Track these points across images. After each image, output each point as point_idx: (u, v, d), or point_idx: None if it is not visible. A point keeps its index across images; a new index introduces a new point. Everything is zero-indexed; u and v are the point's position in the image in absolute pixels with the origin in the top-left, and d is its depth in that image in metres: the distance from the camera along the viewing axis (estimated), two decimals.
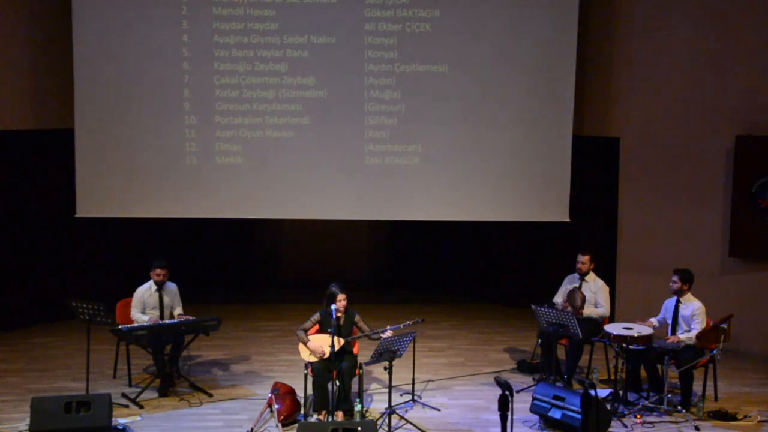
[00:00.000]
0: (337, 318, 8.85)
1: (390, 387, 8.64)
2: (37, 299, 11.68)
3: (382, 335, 8.75)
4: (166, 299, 9.64)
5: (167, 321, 9.47)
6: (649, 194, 11.36)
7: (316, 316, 9.00)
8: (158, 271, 9.58)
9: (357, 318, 8.98)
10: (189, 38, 11.00)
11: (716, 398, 9.41)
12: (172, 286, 9.74)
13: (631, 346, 8.97)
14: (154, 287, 9.62)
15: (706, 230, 11.08)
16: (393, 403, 8.72)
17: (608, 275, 10.74)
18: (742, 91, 10.80)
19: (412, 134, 11.20)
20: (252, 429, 8.55)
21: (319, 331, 9.03)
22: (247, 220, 12.11)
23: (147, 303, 9.60)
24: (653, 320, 9.42)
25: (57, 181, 11.54)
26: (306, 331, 8.93)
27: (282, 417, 8.65)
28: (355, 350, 9.08)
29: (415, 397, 9.35)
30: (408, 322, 8.92)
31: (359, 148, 11.20)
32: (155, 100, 11.07)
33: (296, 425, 8.33)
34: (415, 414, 9.01)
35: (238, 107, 11.14)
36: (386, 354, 8.54)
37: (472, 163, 11.21)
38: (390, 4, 10.99)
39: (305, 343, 8.86)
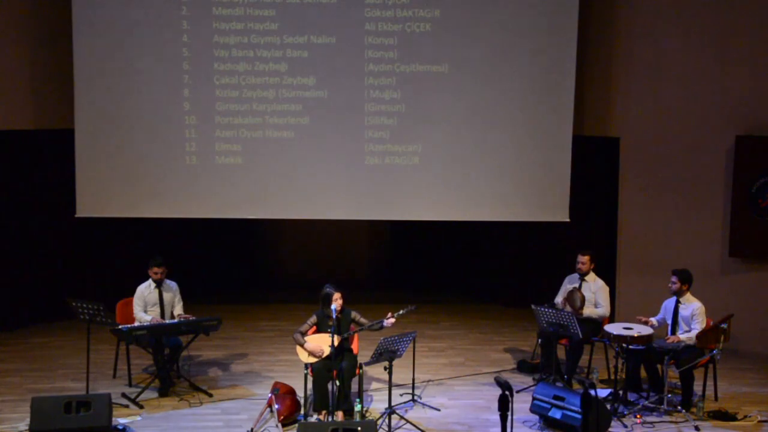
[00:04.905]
0: (337, 318, 8.85)
1: (390, 387, 8.64)
2: (37, 299, 11.68)
3: (384, 323, 8.75)
4: (166, 296, 9.66)
5: (168, 321, 9.49)
6: (649, 194, 11.36)
7: (313, 319, 9.00)
8: (155, 269, 9.60)
9: (354, 315, 9.00)
10: (189, 38, 11.00)
11: (716, 398, 9.41)
12: (172, 284, 9.75)
13: (631, 346, 8.97)
14: (153, 285, 9.64)
15: (706, 230, 11.08)
16: (393, 403, 8.72)
17: (608, 275, 10.75)
18: (742, 91, 10.81)
19: (412, 134, 11.20)
20: (252, 429, 8.55)
21: (317, 332, 9.02)
22: (246, 220, 12.11)
23: (147, 300, 9.63)
24: (653, 319, 9.42)
25: (57, 181, 11.54)
26: (303, 333, 8.93)
27: (282, 417, 8.65)
28: (355, 350, 9.09)
29: (415, 397, 9.35)
30: (401, 311, 8.85)
31: (359, 148, 11.20)
32: (155, 101, 11.07)
33: (296, 425, 8.33)
34: (415, 414, 9.01)
35: (238, 107, 11.14)
36: (386, 354, 8.54)
37: (472, 163, 11.21)
38: (390, 4, 10.99)
39: (302, 345, 8.87)
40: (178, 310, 9.71)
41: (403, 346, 8.68)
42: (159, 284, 9.65)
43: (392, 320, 8.80)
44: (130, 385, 9.63)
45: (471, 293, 13.21)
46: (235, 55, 11.05)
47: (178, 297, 9.77)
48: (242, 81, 11.09)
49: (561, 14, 10.97)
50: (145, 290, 9.66)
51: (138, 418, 8.85)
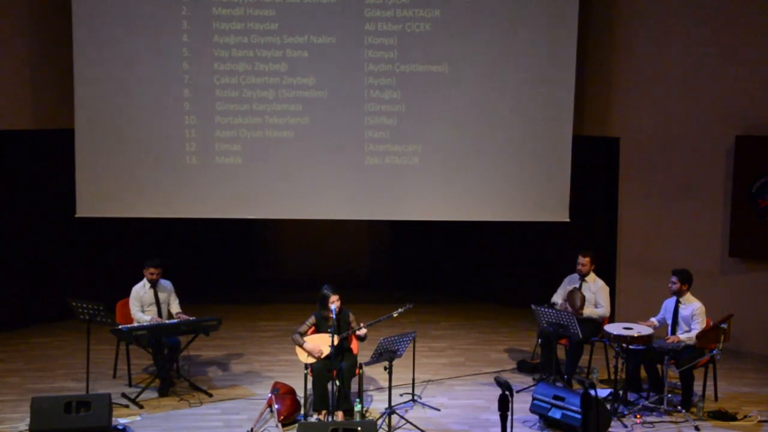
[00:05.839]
0: (336, 318, 8.86)
1: (390, 387, 8.64)
2: (37, 299, 11.68)
3: (357, 332, 8.85)
4: (161, 296, 9.68)
5: (168, 321, 9.49)
6: (649, 194, 11.37)
7: (312, 319, 9.02)
8: (152, 270, 9.62)
9: (351, 317, 9.01)
10: (189, 38, 11.00)
11: (716, 398, 9.41)
12: (166, 284, 9.77)
13: (631, 346, 8.97)
14: (148, 285, 9.66)
15: (706, 230, 11.08)
16: (393, 403, 8.72)
17: (608, 275, 10.75)
18: (742, 91, 10.80)
19: (412, 134, 11.20)
20: (252, 429, 8.55)
21: (316, 333, 9.02)
22: (247, 220, 12.11)
23: (144, 300, 9.64)
24: (653, 319, 9.42)
25: (57, 181, 11.54)
26: (302, 334, 8.94)
27: (282, 417, 8.65)
28: (355, 350, 9.09)
29: (415, 397, 9.35)
30: (399, 309, 8.88)
31: (359, 148, 11.20)
32: (155, 100, 11.07)
33: (296, 425, 8.33)
34: (415, 414, 9.01)
35: (238, 107, 11.14)
36: (386, 354, 8.54)
37: (471, 164, 11.21)
38: (390, 4, 10.99)
39: (301, 345, 8.87)
40: (175, 307, 9.73)
41: (403, 346, 8.68)
42: (154, 284, 9.66)
43: (364, 331, 8.89)
44: (130, 385, 9.63)
45: (471, 293, 13.21)
46: (235, 55, 11.05)
47: (173, 295, 9.79)
48: (242, 81, 11.09)
49: (561, 14, 10.97)
50: (141, 290, 9.67)
51: (138, 418, 8.85)
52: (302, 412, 8.90)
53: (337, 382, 8.73)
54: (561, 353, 9.84)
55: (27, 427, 8.27)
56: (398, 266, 13.86)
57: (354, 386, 8.92)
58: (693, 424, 8.76)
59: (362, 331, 8.89)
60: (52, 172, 11.61)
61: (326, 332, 8.73)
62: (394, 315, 8.87)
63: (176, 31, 10.98)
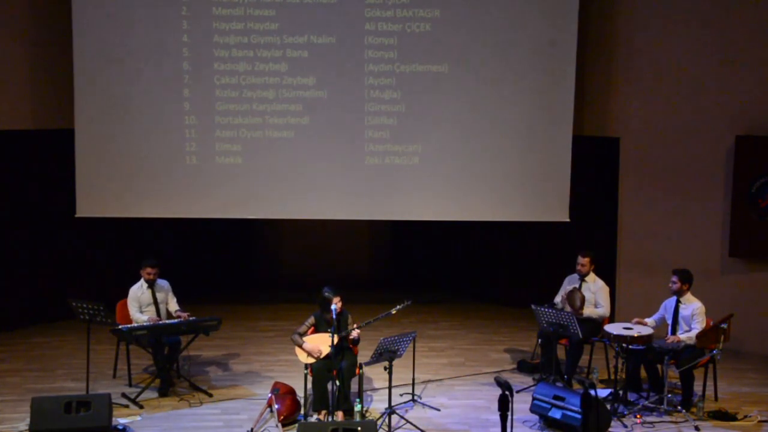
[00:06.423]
0: (336, 318, 8.86)
1: (390, 387, 8.64)
2: (37, 299, 11.68)
3: (350, 335, 8.86)
4: (159, 295, 9.69)
5: (167, 321, 9.50)
6: (649, 194, 11.37)
7: (311, 320, 9.03)
8: (149, 270, 9.63)
9: (350, 320, 9.02)
10: (189, 38, 11.00)
11: (716, 398, 9.41)
12: (163, 283, 9.78)
13: (631, 346, 8.97)
14: (146, 285, 9.66)
15: (706, 230, 11.08)
16: (393, 403, 8.72)
17: (608, 275, 10.75)
18: (742, 91, 10.80)
19: (412, 134, 11.20)
20: (252, 429, 8.56)
21: (315, 333, 9.02)
22: (247, 220, 12.11)
23: (141, 301, 9.66)
24: (648, 320, 9.40)
25: (57, 181, 11.54)
26: (302, 335, 8.95)
27: (282, 417, 8.65)
28: (354, 350, 9.09)
29: (415, 397, 9.36)
30: (398, 306, 8.89)
31: (359, 148, 11.20)
32: (155, 100, 11.07)
33: (296, 425, 8.33)
34: (415, 414, 9.01)
35: (238, 107, 11.14)
36: (386, 354, 8.54)
37: (471, 163, 11.21)
38: (390, 4, 10.99)
39: (301, 346, 8.88)
40: (173, 305, 9.74)
41: (403, 346, 8.68)
42: (151, 284, 9.66)
43: (357, 332, 8.90)
44: (130, 385, 9.63)
45: (471, 293, 13.21)
46: (235, 55, 11.05)
47: (171, 294, 9.80)
48: (242, 81, 11.09)
49: (561, 14, 10.97)
50: (138, 291, 9.69)
51: (138, 418, 8.85)
52: (302, 412, 8.90)
53: (337, 382, 8.73)
54: (561, 353, 9.84)
55: (27, 427, 8.28)
56: (398, 266, 13.86)
57: (354, 386, 8.92)
58: (693, 424, 8.76)
59: (355, 333, 8.88)
60: (52, 172, 11.61)
61: (327, 332, 8.73)
62: (393, 312, 8.89)
63: (176, 31, 10.98)
